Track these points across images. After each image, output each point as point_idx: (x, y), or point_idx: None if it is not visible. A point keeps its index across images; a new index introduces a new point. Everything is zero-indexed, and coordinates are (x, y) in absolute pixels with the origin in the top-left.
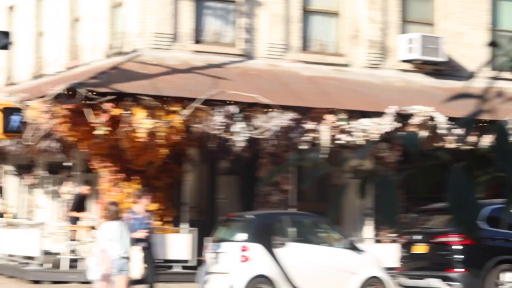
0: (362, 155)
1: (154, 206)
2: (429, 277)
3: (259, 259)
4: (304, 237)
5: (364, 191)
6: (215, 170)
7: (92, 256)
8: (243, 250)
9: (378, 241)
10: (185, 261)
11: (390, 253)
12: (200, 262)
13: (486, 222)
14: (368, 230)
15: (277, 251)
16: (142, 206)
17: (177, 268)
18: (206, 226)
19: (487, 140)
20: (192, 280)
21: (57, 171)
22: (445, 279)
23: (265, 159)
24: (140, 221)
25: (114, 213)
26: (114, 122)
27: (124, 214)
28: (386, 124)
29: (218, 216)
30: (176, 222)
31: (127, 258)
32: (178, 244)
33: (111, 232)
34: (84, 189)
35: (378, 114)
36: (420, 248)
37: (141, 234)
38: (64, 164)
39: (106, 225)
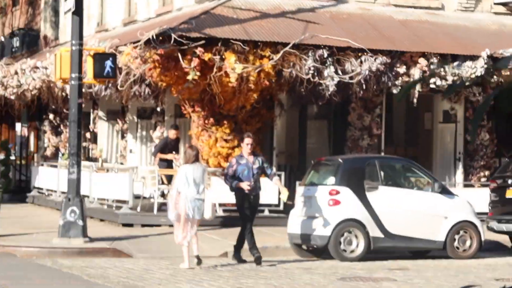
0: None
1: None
2: None
3: (348, 203)
4: (394, 181)
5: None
6: (305, 114)
7: (170, 198)
8: (333, 194)
9: (468, 186)
10: (274, 205)
11: (481, 197)
12: (288, 206)
13: None
14: (459, 174)
15: (366, 195)
16: (247, 149)
17: (265, 212)
18: (296, 171)
19: None
20: (280, 224)
21: (148, 116)
22: None
23: (355, 104)
24: (249, 167)
25: (191, 156)
26: (205, 67)
27: (232, 160)
28: (479, 67)
29: (308, 160)
30: None
31: (201, 199)
32: (267, 188)
33: (187, 174)
34: (172, 133)
35: (471, 58)
36: None
37: (245, 186)
38: (155, 109)
39: (182, 167)
